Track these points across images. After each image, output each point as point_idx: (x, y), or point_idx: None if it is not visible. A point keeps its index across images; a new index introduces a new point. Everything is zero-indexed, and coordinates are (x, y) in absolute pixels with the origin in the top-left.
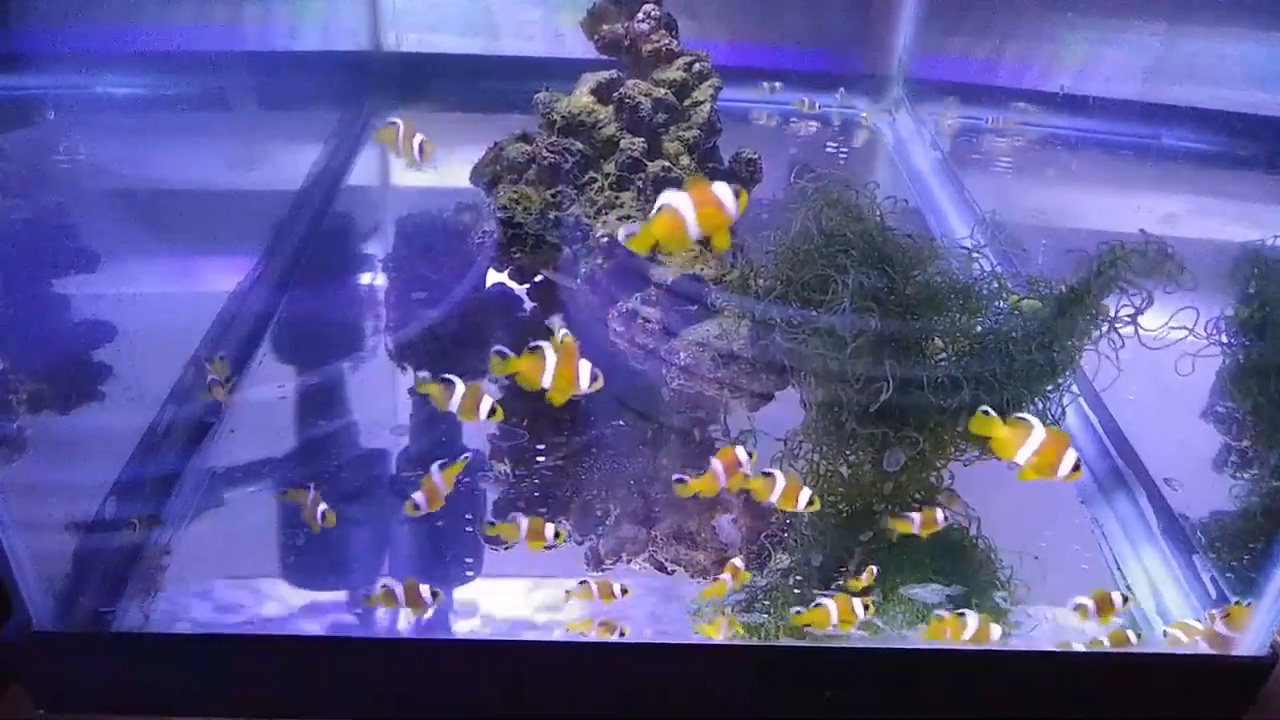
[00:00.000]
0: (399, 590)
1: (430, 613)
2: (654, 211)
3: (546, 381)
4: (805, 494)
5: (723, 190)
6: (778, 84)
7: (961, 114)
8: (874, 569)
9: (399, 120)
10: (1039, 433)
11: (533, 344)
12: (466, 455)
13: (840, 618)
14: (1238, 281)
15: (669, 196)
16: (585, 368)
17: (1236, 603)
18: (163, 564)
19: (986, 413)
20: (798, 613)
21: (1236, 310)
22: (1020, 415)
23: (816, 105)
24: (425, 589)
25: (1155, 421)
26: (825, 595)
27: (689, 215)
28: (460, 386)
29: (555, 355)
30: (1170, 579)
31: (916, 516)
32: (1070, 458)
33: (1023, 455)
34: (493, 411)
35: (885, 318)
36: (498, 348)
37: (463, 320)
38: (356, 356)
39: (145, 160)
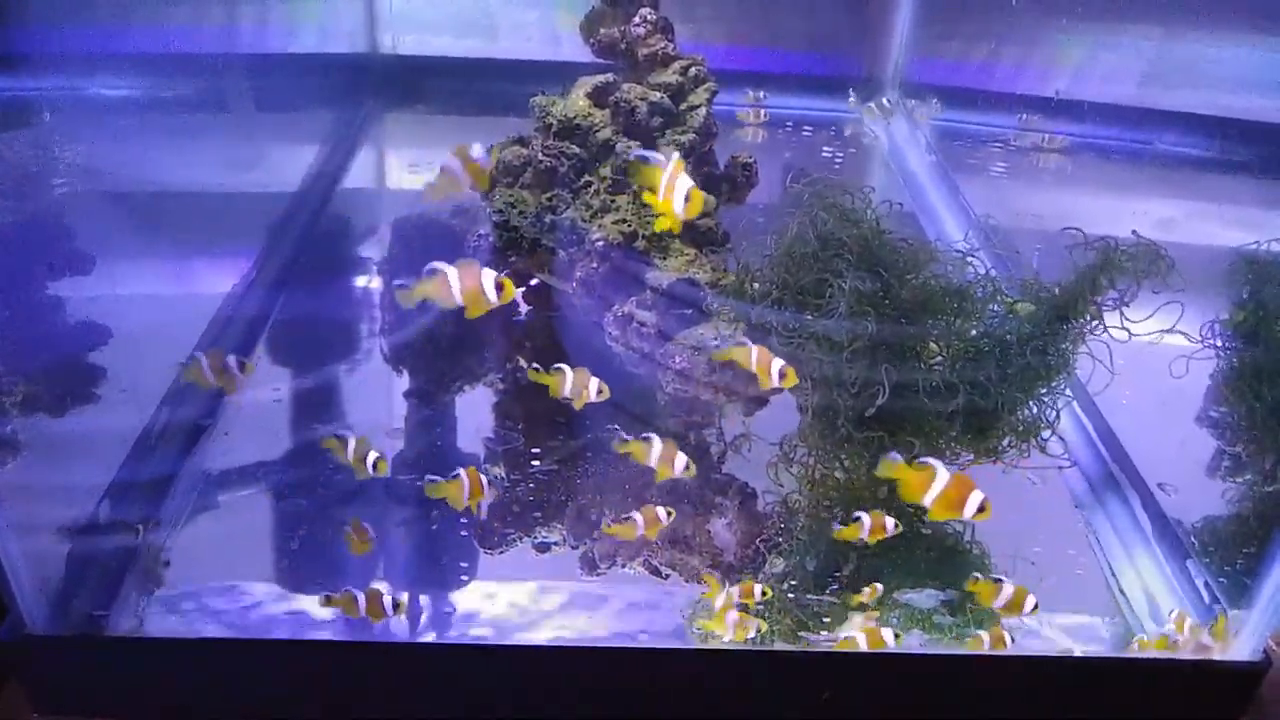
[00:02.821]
0: (360, 598)
1: (401, 618)
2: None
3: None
4: (681, 460)
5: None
6: (762, 93)
7: (956, 117)
8: (878, 587)
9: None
10: (943, 476)
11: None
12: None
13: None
14: (1233, 285)
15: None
16: (490, 277)
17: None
18: (157, 567)
19: (894, 459)
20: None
21: (1231, 313)
22: (924, 460)
23: (764, 115)
24: (388, 599)
25: (1149, 426)
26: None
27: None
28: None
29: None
30: (1164, 584)
31: (867, 520)
32: (976, 499)
33: (929, 498)
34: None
35: (881, 322)
36: (397, 282)
37: (458, 323)
38: (352, 359)
39: (141, 162)
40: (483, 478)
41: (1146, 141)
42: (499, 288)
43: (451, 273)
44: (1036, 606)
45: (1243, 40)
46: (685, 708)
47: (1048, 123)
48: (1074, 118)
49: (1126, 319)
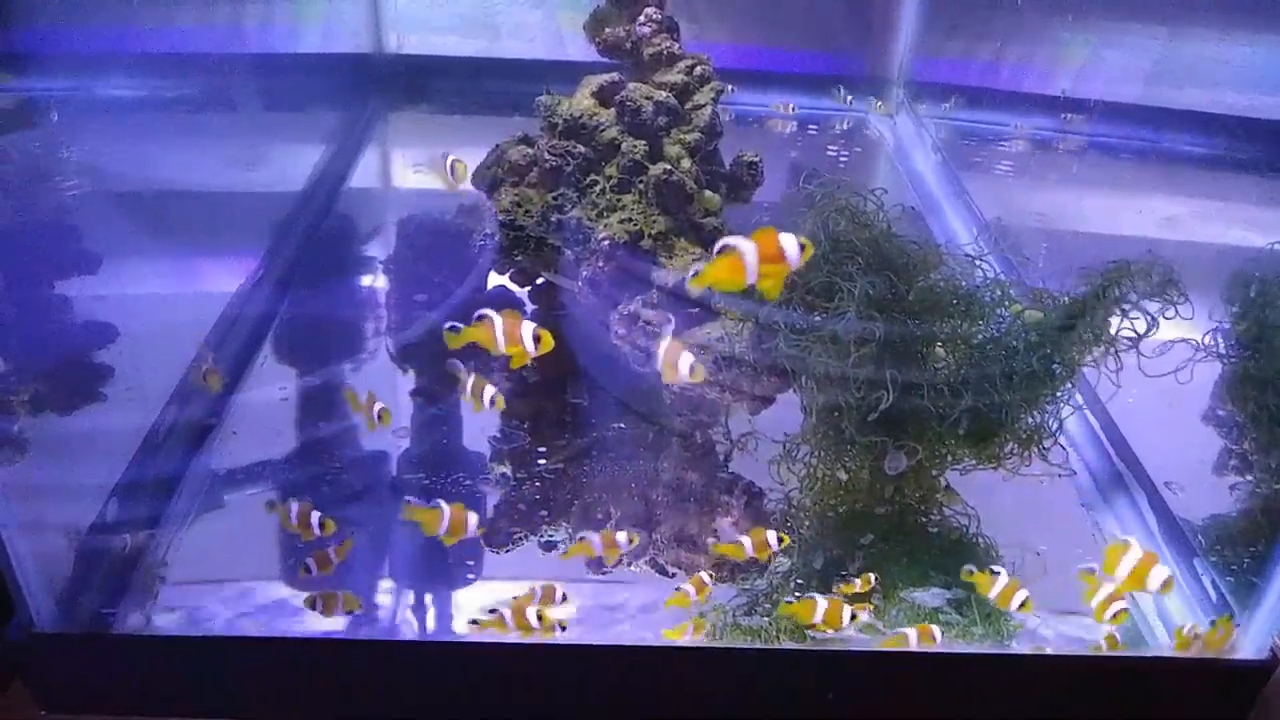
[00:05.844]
0: (294, 509)
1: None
2: (715, 252)
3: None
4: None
5: (788, 241)
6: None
7: (961, 116)
8: (870, 576)
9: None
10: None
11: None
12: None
13: (827, 619)
14: (1234, 294)
15: (732, 240)
16: (529, 328)
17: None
18: (164, 565)
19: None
20: (788, 602)
21: (1234, 322)
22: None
23: (793, 108)
24: (315, 515)
25: (1155, 425)
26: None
27: (750, 259)
28: (446, 509)
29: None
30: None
31: (747, 541)
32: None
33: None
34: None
35: (889, 325)
36: (450, 323)
37: (464, 323)
38: (358, 358)
39: (148, 161)
40: (470, 516)
41: (1152, 140)
42: (536, 339)
43: (497, 321)
44: (1026, 601)
45: (1249, 38)
46: (688, 707)
47: (1053, 121)
48: (1080, 116)
49: (1141, 352)
